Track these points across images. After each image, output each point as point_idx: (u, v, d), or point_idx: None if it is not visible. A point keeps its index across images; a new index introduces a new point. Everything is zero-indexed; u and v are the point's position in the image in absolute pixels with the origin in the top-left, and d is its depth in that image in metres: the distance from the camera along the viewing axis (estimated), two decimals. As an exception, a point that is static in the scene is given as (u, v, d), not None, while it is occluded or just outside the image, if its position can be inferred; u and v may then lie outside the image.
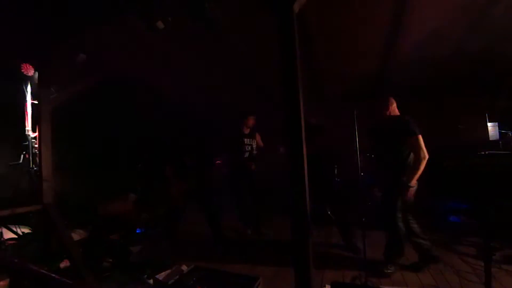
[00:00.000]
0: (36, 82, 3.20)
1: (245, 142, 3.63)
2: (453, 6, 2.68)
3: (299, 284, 1.52)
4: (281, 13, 1.52)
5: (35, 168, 3.16)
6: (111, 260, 2.61)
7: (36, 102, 3.21)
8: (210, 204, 3.28)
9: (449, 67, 3.98)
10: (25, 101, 3.23)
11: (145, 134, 3.56)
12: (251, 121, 3.65)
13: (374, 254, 2.76)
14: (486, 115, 3.67)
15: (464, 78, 4.45)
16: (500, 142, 3.53)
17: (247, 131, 3.68)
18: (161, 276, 2.44)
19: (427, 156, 2.14)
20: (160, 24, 2.90)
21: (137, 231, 3.63)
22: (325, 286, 2.17)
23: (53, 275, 0.95)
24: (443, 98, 4.88)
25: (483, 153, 2.96)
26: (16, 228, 2.82)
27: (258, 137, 3.80)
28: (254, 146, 3.71)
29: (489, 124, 3.55)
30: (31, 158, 3.19)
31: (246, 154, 3.63)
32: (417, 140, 2.17)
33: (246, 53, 3.53)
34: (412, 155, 2.25)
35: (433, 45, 3.44)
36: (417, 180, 2.17)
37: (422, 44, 3.40)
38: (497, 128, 3.54)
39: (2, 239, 2.86)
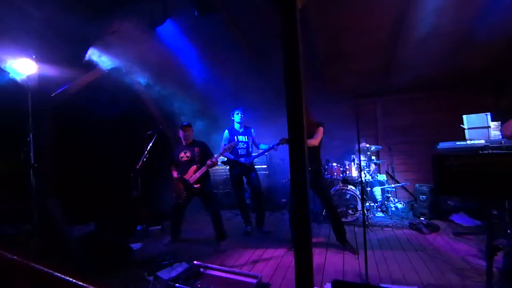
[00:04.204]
0: (38, 79, 3.19)
1: (240, 139, 3.70)
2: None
3: (300, 282, 1.52)
4: (284, 8, 1.49)
5: (35, 165, 3.16)
6: (111, 257, 2.61)
7: (37, 98, 3.21)
8: (213, 201, 3.28)
9: (451, 65, 3.97)
10: (27, 97, 3.22)
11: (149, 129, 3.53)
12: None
13: (375, 253, 2.77)
14: (489, 114, 3.64)
15: (467, 76, 4.43)
16: (502, 142, 3.49)
17: (243, 128, 3.75)
18: (162, 273, 2.45)
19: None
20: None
21: (137, 228, 3.64)
22: (325, 284, 2.16)
23: (53, 271, 0.94)
24: (445, 96, 4.88)
25: (486, 152, 2.94)
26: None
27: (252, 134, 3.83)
28: (250, 143, 3.78)
29: (492, 124, 3.53)
30: (32, 154, 3.19)
31: (242, 151, 3.69)
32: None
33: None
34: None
35: (435, 42, 3.42)
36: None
37: (424, 41, 3.37)
38: (500, 127, 3.50)
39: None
